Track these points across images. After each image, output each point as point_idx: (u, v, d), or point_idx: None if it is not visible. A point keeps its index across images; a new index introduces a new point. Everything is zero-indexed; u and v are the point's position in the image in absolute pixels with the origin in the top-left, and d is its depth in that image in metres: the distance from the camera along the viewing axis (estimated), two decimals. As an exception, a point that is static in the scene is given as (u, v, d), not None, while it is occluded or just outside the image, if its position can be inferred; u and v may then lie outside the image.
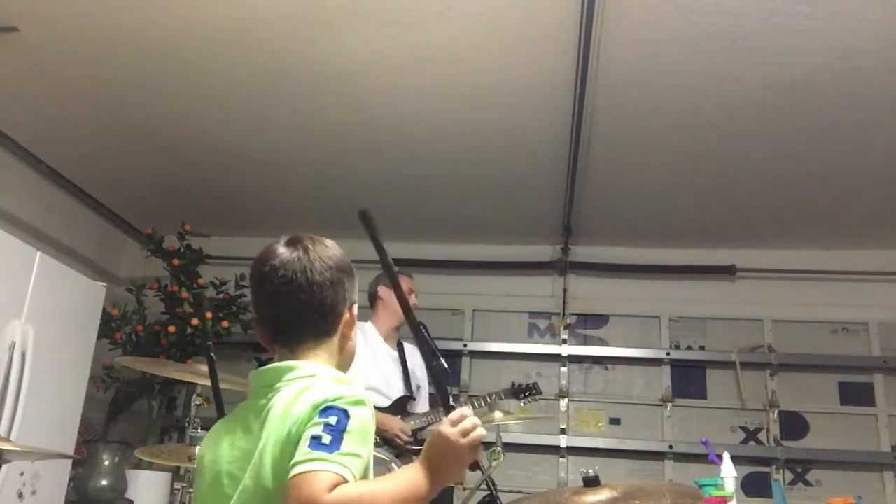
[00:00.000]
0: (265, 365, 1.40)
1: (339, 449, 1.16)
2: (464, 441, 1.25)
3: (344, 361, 1.43)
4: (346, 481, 1.14)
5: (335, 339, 1.40)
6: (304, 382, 1.29)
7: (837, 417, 4.26)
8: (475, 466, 1.34)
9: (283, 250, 1.38)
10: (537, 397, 3.48)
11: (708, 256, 4.54)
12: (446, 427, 1.26)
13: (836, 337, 4.40)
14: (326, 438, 1.17)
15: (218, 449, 1.35)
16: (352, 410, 1.21)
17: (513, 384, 3.49)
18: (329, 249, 1.41)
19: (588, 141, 3.49)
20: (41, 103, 3.49)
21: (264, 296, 1.40)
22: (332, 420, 1.19)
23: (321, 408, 1.21)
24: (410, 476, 1.24)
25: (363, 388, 1.30)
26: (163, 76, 3.22)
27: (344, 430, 1.18)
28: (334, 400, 1.22)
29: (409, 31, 2.83)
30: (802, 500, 4.12)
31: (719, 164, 3.68)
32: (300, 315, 1.37)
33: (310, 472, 1.13)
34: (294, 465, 1.15)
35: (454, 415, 1.28)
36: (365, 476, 1.23)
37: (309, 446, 1.16)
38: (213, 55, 3.05)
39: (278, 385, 1.31)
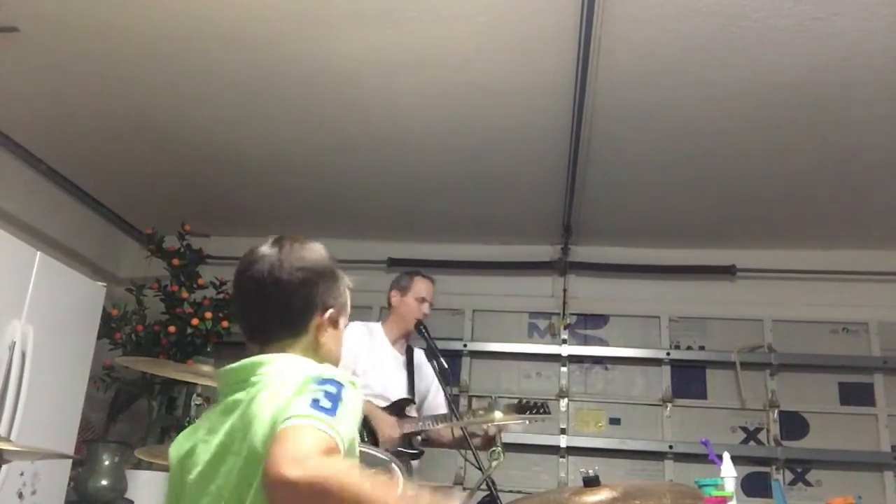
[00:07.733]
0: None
1: (335, 416, 1.13)
2: None
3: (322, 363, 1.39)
4: (339, 451, 1.11)
5: (306, 340, 1.39)
6: (283, 372, 1.27)
7: (837, 417, 4.26)
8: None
9: (262, 249, 1.41)
10: (544, 418, 3.24)
11: (708, 256, 4.54)
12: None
13: (836, 337, 4.40)
14: (326, 403, 1.14)
15: (189, 458, 1.33)
16: (346, 387, 1.20)
17: (520, 400, 3.34)
18: (306, 251, 1.42)
19: (588, 141, 3.49)
20: (41, 103, 3.49)
21: (237, 293, 1.45)
22: (332, 389, 1.17)
23: (318, 379, 1.19)
24: (388, 492, 1.11)
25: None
26: (163, 76, 3.22)
27: (340, 401, 1.16)
28: (329, 376, 1.21)
29: (409, 31, 2.83)
30: (802, 500, 4.12)
31: (719, 164, 3.67)
32: (266, 313, 1.39)
33: (308, 426, 1.10)
34: (291, 417, 1.11)
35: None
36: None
37: (309, 405, 1.13)
38: (214, 55, 3.05)
39: (253, 379, 1.29)
